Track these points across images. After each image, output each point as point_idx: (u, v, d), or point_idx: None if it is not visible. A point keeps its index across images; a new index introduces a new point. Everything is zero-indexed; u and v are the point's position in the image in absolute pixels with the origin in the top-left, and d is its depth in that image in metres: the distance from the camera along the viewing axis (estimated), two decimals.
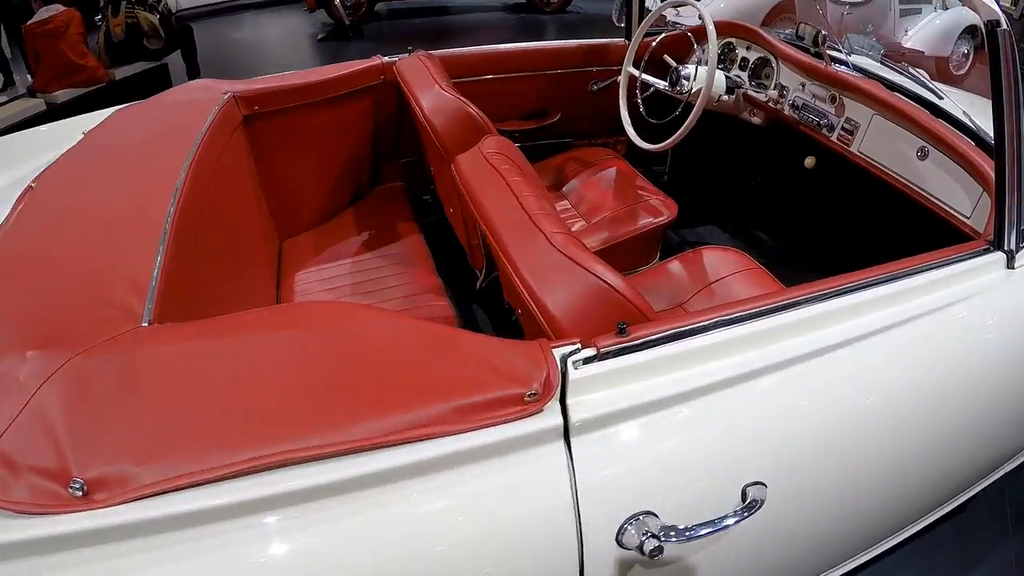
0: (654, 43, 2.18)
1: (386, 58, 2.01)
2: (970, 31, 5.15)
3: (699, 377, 0.89)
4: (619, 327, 0.88)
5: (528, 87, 2.32)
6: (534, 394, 0.78)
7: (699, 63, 2.01)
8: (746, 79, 2.17)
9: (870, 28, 4.58)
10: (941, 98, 1.69)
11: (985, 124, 1.48)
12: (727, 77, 2.07)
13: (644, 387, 0.86)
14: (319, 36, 7.15)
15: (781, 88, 2.06)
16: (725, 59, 2.29)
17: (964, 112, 1.59)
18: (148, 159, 1.34)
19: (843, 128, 1.85)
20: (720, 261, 1.72)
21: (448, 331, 0.86)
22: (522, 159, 1.45)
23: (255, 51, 7.07)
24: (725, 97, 2.05)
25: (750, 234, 2.62)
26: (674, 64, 2.01)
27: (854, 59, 1.95)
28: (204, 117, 1.52)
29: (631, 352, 0.88)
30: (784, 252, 2.50)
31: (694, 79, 1.94)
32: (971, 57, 5.41)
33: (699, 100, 1.84)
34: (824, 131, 1.91)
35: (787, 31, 2.18)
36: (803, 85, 2.00)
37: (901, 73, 1.85)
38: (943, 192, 1.55)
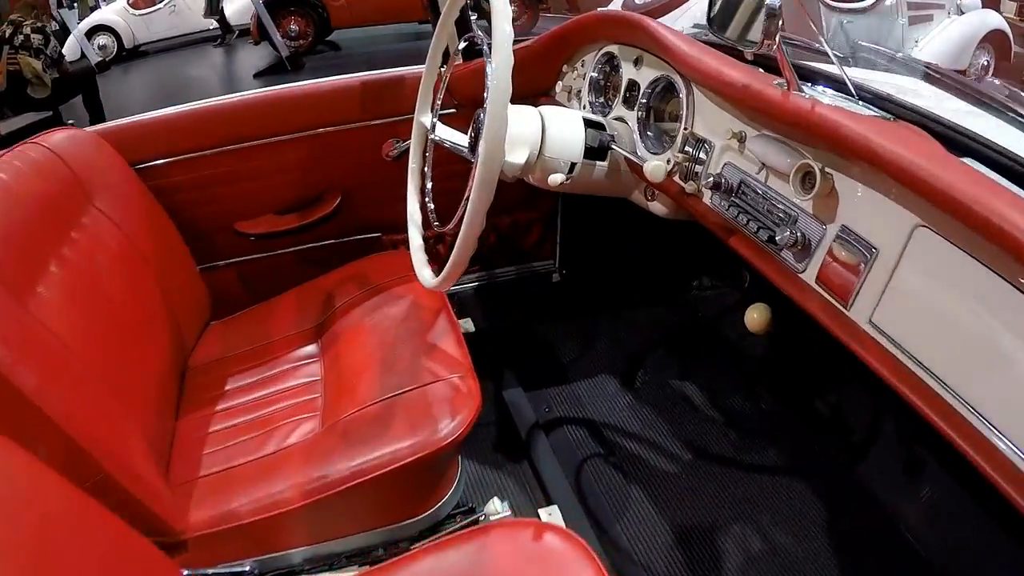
0: (445, 78, 1.22)
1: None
2: (989, 38, 4.42)
3: None
4: None
5: (287, 159, 1.43)
6: None
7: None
8: (634, 125, 1.16)
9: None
10: None
11: None
12: (591, 125, 1.10)
13: None
14: (255, 71, 6.55)
15: (696, 144, 1.01)
16: (605, 86, 1.28)
17: None
18: None
19: (835, 253, 0.76)
20: (524, 551, 0.82)
21: None
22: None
23: (185, 88, 6.46)
24: (561, 172, 1.06)
25: (674, 393, 1.56)
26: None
27: (856, 74, 0.95)
28: None
29: None
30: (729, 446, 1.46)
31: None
32: (991, 69, 4.67)
33: (475, 180, 0.88)
34: (782, 256, 0.84)
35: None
36: (740, 136, 0.92)
37: (965, 92, 0.92)
38: None
